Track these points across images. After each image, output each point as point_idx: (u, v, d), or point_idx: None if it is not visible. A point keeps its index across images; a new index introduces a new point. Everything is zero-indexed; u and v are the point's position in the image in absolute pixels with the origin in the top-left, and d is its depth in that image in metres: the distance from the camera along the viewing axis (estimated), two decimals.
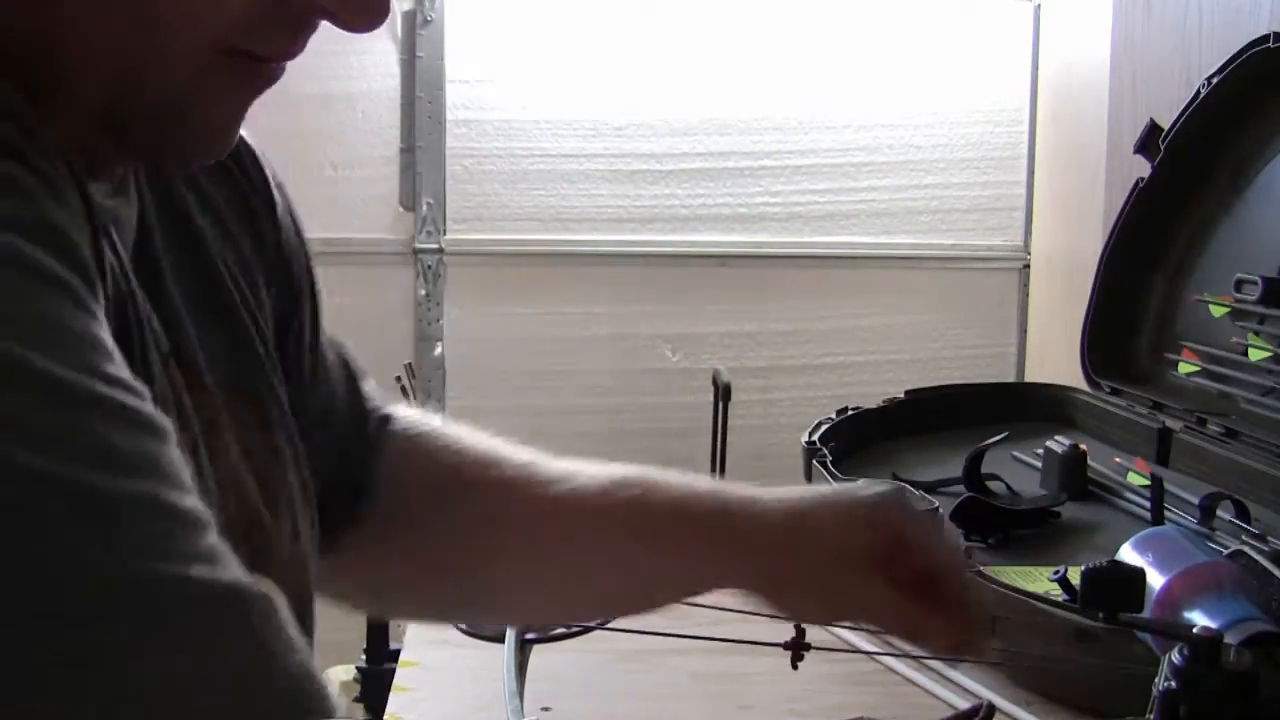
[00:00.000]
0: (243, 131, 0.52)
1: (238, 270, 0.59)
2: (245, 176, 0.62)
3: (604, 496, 0.69)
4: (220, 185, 0.60)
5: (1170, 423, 1.35)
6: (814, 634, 1.07)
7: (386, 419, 0.73)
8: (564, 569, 0.72)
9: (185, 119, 0.47)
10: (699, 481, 0.70)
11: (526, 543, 0.71)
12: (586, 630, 0.93)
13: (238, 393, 0.56)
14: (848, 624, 0.72)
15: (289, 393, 0.62)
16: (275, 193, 0.64)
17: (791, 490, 0.69)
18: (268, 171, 0.63)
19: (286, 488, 0.59)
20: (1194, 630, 0.67)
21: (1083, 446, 1.29)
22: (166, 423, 0.38)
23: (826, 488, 0.71)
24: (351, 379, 0.71)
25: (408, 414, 0.75)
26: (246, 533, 0.54)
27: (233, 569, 0.37)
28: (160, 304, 0.52)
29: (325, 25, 0.49)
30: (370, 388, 0.73)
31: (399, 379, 1.47)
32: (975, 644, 0.70)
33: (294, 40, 0.48)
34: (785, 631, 1.07)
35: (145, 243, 0.53)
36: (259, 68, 0.48)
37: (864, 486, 0.69)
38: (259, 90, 0.49)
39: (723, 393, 2.03)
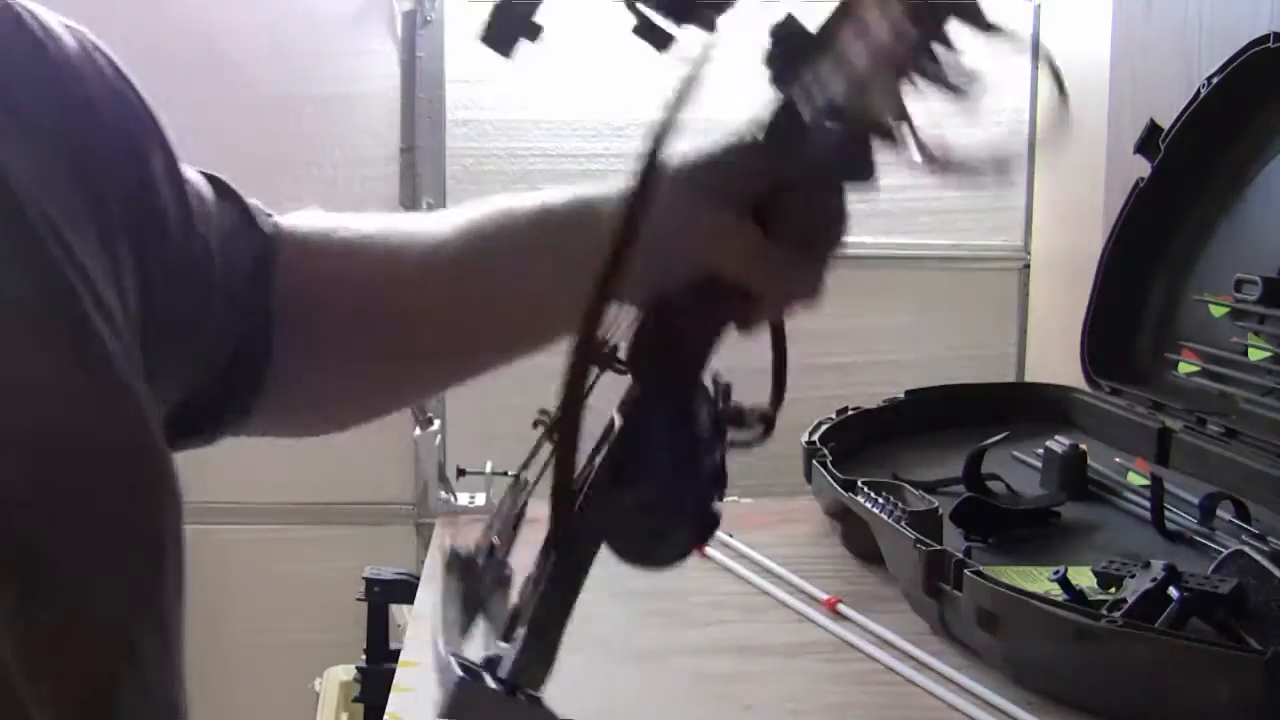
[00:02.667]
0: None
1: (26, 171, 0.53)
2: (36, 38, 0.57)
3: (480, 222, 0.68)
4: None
5: (1170, 423, 1.35)
6: (814, 633, 1.07)
7: (273, 239, 0.70)
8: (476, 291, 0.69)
9: None
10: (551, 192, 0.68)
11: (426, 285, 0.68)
12: None
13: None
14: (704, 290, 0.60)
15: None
16: (95, 74, 0.60)
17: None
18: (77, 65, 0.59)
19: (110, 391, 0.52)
20: None
21: (1083, 446, 1.29)
22: None
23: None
24: (229, 214, 0.68)
25: (296, 220, 0.72)
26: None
27: None
28: None
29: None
30: (253, 209, 0.70)
31: None
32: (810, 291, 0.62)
33: None
34: (786, 631, 1.07)
35: None
36: None
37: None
38: None
39: (723, 393, 2.03)
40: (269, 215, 0.71)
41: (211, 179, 0.70)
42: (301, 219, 0.72)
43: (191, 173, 0.67)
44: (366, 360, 0.71)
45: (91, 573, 0.49)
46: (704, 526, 0.52)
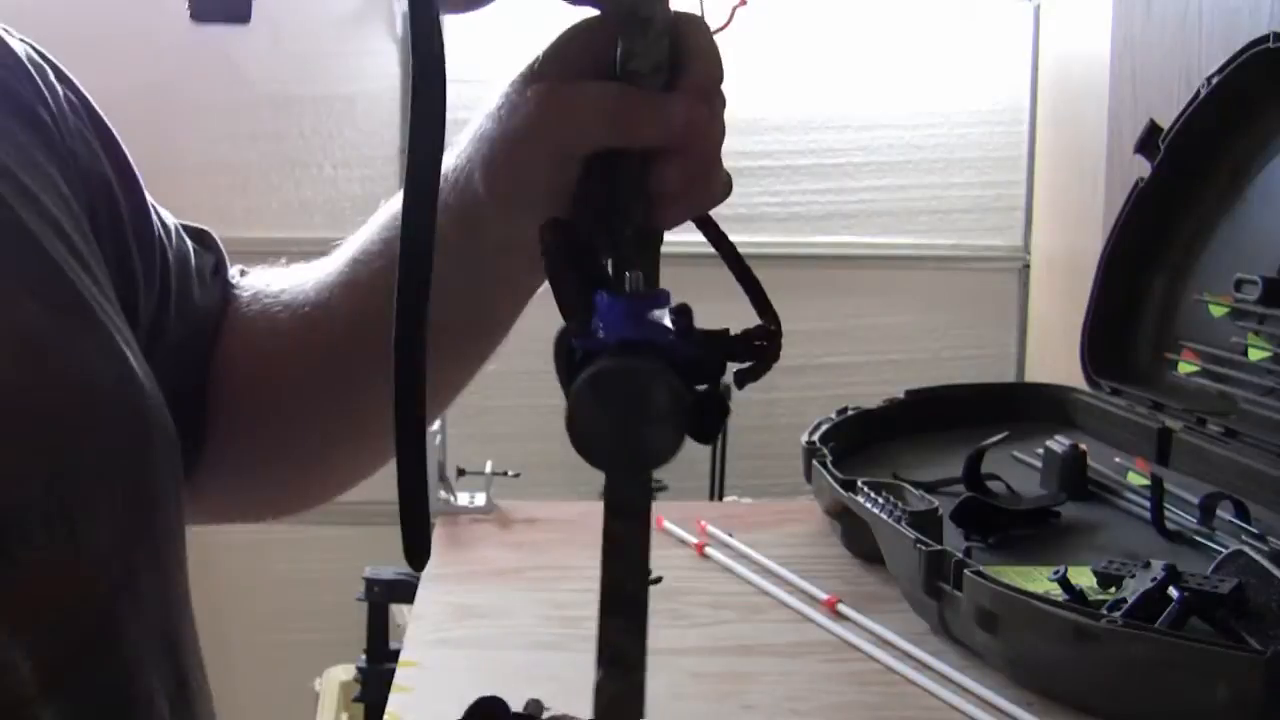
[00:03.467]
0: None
1: (15, 160, 0.55)
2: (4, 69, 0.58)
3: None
4: None
5: (1170, 423, 1.35)
6: (814, 633, 1.07)
7: (231, 292, 0.69)
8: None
9: None
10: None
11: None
12: None
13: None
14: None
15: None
16: (43, 80, 0.60)
17: None
18: (29, 65, 0.59)
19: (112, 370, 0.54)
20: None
21: (1083, 446, 1.29)
22: None
23: None
24: (188, 275, 0.67)
25: (245, 281, 0.71)
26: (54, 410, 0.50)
27: None
28: None
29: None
30: (226, 264, 0.69)
31: None
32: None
33: None
34: (786, 631, 1.07)
35: None
36: None
37: None
38: None
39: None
40: (240, 273, 0.71)
41: (195, 229, 0.70)
42: (250, 280, 0.71)
43: (166, 213, 0.67)
44: (300, 418, 0.69)
45: (85, 506, 0.50)
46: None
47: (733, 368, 0.48)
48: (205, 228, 0.71)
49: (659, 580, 0.46)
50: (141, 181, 0.65)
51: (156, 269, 0.64)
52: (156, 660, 0.54)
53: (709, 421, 0.43)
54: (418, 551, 0.47)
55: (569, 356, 0.45)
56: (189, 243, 0.69)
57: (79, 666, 0.49)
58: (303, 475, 0.74)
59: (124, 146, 0.64)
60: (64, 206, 0.57)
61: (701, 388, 0.44)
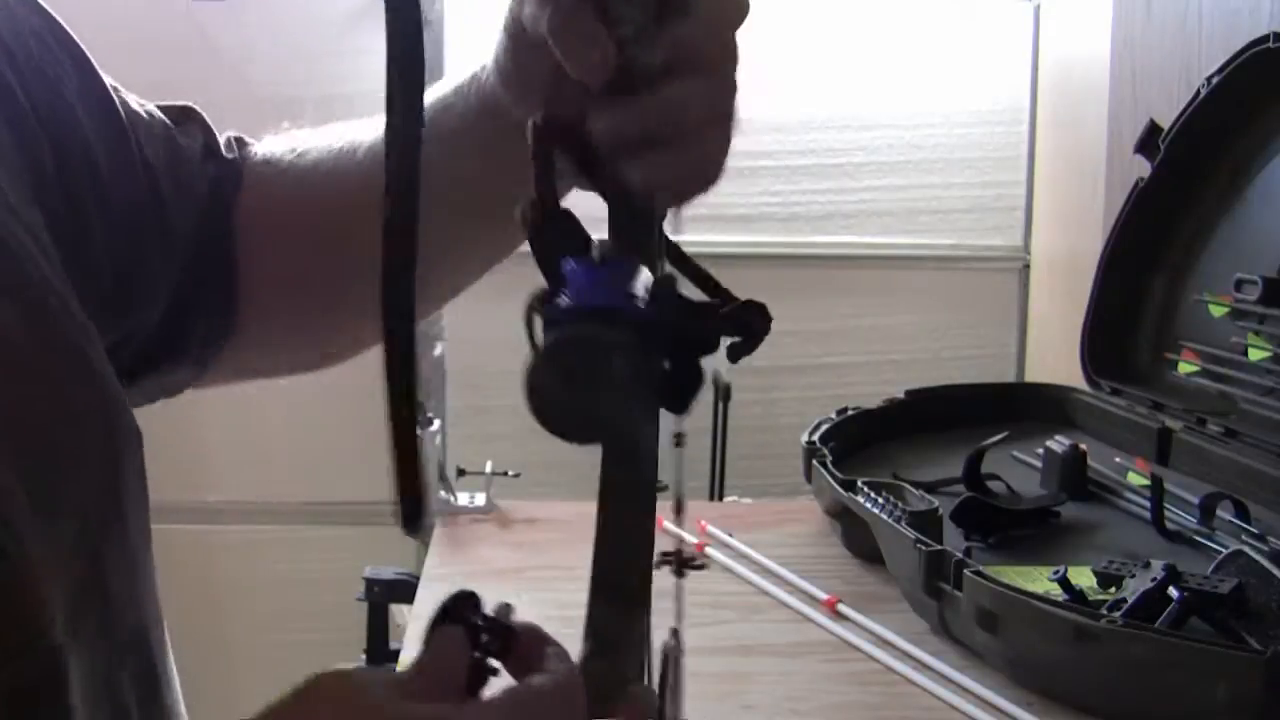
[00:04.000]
0: None
1: None
2: None
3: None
4: None
5: (1170, 423, 1.35)
6: (814, 633, 1.07)
7: (236, 166, 0.70)
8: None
9: None
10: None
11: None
12: None
13: None
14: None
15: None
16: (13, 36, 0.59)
17: None
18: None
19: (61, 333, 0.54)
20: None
21: (1083, 446, 1.29)
22: None
23: None
24: (187, 141, 0.68)
25: (261, 147, 0.72)
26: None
27: None
28: None
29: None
30: (216, 139, 0.70)
31: None
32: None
33: None
34: (786, 631, 1.07)
35: None
36: None
37: None
38: None
39: (723, 393, 2.03)
40: (244, 145, 0.72)
41: (179, 110, 0.70)
42: (266, 145, 0.72)
43: (134, 100, 0.67)
44: (336, 277, 0.70)
45: (61, 504, 0.51)
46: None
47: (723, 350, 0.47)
48: (187, 104, 0.71)
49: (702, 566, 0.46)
50: (119, 106, 0.64)
51: (154, 206, 0.65)
52: (124, 653, 0.55)
53: (681, 390, 0.42)
54: (412, 514, 0.45)
55: (531, 325, 0.44)
56: (176, 135, 0.69)
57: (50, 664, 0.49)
58: (331, 326, 0.75)
59: (99, 73, 0.64)
60: (27, 195, 0.56)
61: (672, 356, 0.43)
